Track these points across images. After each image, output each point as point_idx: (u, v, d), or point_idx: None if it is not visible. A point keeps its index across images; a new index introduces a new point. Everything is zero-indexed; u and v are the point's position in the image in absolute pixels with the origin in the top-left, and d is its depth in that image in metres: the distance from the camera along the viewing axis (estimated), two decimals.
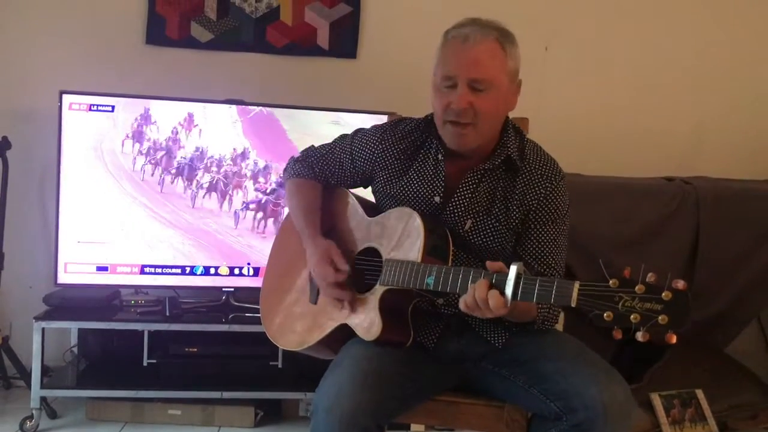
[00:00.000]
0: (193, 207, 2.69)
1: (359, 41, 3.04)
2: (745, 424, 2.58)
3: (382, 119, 2.43)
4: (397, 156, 1.74)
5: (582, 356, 1.56)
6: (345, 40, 3.03)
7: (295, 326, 1.77)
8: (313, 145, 1.92)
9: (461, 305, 1.43)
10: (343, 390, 1.45)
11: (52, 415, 2.61)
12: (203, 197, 2.69)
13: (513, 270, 1.35)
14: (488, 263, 1.42)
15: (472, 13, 1.65)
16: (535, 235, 1.65)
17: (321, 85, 3.00)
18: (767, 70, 3.23)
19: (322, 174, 1.85)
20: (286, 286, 1.85)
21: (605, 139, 3.11)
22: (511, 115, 1.74)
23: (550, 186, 1.66)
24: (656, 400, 2.52)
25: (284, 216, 2.16)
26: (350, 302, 1.63)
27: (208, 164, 2.68)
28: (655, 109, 3.18)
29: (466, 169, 1.67)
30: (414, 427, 2.61)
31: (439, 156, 1.69)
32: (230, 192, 2.70)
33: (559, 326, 2.39)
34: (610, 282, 1.24)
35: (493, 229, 1.65)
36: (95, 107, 2.62)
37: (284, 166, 1.95)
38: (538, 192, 1.65)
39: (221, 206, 2.70)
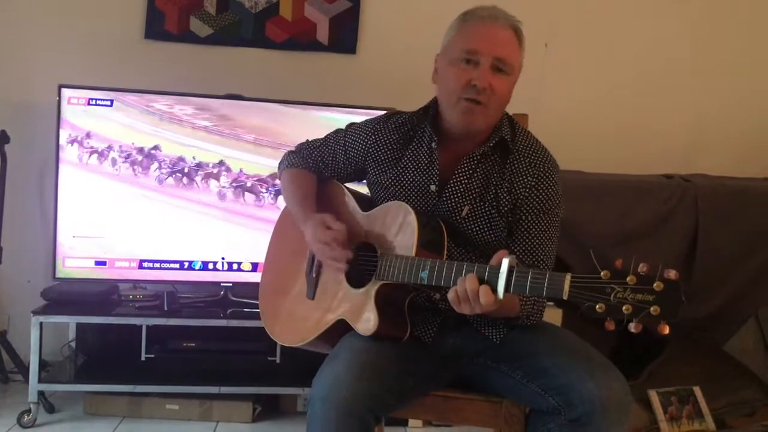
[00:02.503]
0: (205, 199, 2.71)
1: (359, 37, 3.03)
2: (743, 421, 2.57)
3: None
4: (390, 147, 1.74)
5: (580, 351, 1.55)
6: (345, 36, 3.02)
7: (294, 323, 1.77)
8: (308, 139, 1.92)
9: (450, 296, 1.42)
10: (340, 380, 1.44)
11: (50, 409, 2.61)
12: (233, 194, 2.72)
13: (505, 263, 1.35)
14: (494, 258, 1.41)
15: None
16: (525, 227, 1.64)
17: (320, 81, 3.00)
18: (766, 68, 3.23)
19: (316, 166, 1.85)
20: (284, 282, 1.84)
21: (604, 137, 3.11)
22: (511, 111, 1.73)
23: (539, 175, 1.65)
24: (654, 397, 2.52)
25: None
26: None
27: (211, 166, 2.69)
28: (655, 107, 3.18)
29: (460, 155, 1.67)
30: (412, 422, 2.62)
31: (433, 144, 1.69)
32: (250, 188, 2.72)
33: (557, 321, 2.41)
34: (602, 273, 1.24)
35: (488, 216, 1.64)
36: (94, 101, 2.62)
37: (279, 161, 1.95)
38: (526, 180, 1.64)
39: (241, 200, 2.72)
